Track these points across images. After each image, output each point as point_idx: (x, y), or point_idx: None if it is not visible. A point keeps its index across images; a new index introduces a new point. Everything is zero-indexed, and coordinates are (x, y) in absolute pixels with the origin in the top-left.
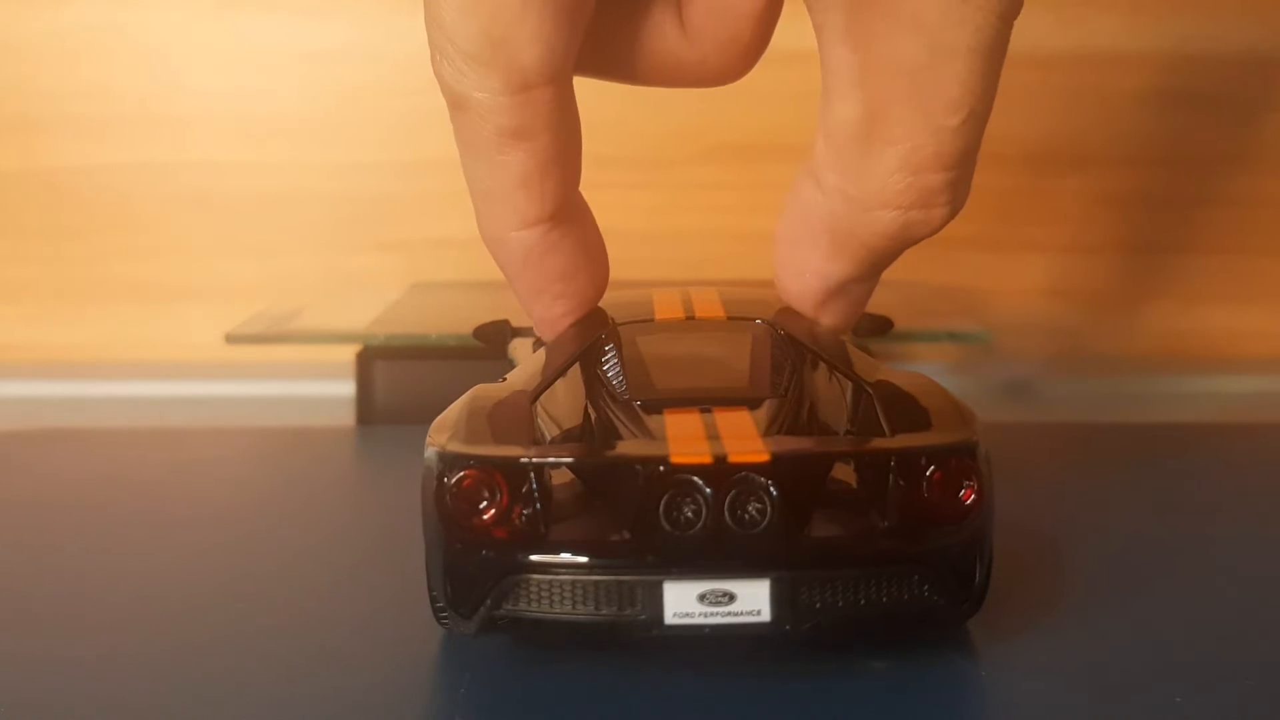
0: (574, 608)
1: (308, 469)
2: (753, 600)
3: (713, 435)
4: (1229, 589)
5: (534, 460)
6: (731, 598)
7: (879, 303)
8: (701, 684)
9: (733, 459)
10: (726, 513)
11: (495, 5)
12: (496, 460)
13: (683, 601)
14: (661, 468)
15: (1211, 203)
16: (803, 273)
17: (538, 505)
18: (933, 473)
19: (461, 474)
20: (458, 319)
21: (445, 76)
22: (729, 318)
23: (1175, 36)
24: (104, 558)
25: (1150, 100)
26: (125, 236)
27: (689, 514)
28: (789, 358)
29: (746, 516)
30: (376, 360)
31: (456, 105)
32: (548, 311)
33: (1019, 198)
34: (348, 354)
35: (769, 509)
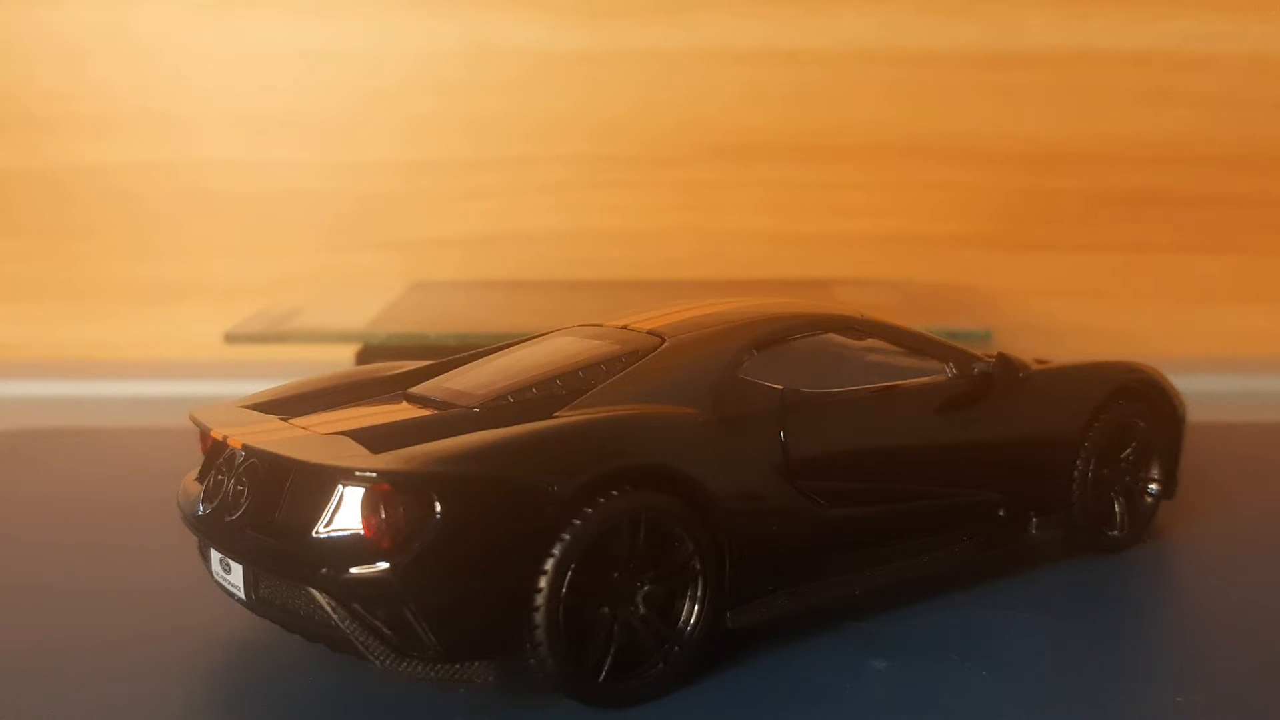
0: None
1: None
2: (238, 577)
3: (315, 424)
4: (1228, 589)
5: (195, 418)
6: (229, 569)
7: (881, 302)
8: (704, 683)
9: (230, 442)
10: (230, 491)
11: None
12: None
13: (216, 563)
14: (207, 437)
15: (1212, 202)
16: None
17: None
18: (340, 498)
19: None
20: (457, 318)
21: None
22: (647, 331)
23: (1175, 36)
24: (104, 555)
25: (1151, 100)
26: (126, 236)
27: (218, 484)
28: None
29: (238, 499)
30: (376, 359)
31: None
32: None
33: (1020, 198)
34: (347, 353)
35: (246, 496)
